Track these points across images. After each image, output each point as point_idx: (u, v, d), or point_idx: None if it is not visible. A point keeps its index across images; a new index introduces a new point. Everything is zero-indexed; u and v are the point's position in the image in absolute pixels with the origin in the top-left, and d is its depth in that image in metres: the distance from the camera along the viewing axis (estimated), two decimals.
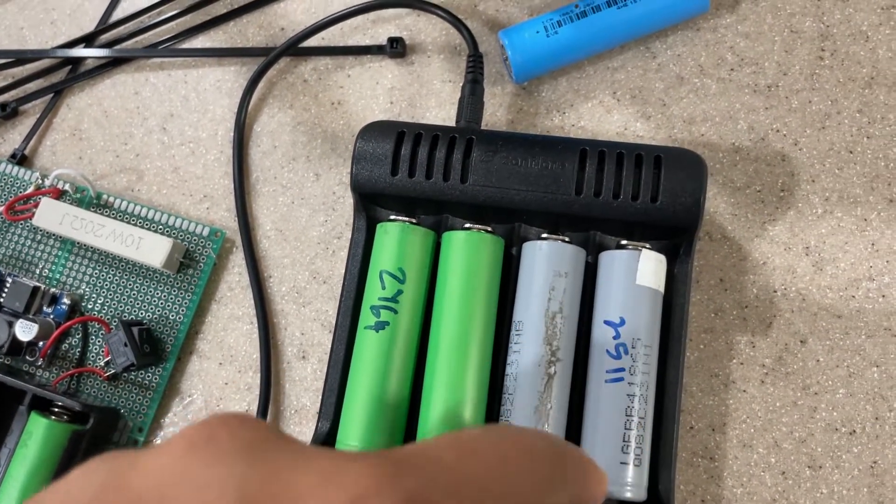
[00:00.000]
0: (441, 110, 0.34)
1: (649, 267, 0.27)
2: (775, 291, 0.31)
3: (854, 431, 0.29)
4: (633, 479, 0.26)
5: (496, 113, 0.33)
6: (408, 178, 0.28)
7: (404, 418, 0.28)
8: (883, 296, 0.30)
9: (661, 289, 0.27)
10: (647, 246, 0.27)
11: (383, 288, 0.28)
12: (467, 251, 0.28)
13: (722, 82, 0.33)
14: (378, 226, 0.29)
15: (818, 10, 0.33)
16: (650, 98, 0.33)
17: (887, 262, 0.30)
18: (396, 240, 0.28)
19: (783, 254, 0.31)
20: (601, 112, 0.33)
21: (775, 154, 0.32)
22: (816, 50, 0.33)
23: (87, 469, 0.13)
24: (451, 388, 0.27)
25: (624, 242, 0.28)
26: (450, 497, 0.13)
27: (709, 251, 0.31)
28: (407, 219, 0.29)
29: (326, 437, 0.28)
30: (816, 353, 0.30)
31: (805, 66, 0.32)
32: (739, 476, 0.29)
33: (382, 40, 0.35)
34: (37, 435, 0.29)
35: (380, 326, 0.28)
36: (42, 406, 0.31)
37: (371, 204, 0.30)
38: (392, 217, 0.29)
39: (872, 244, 0.31)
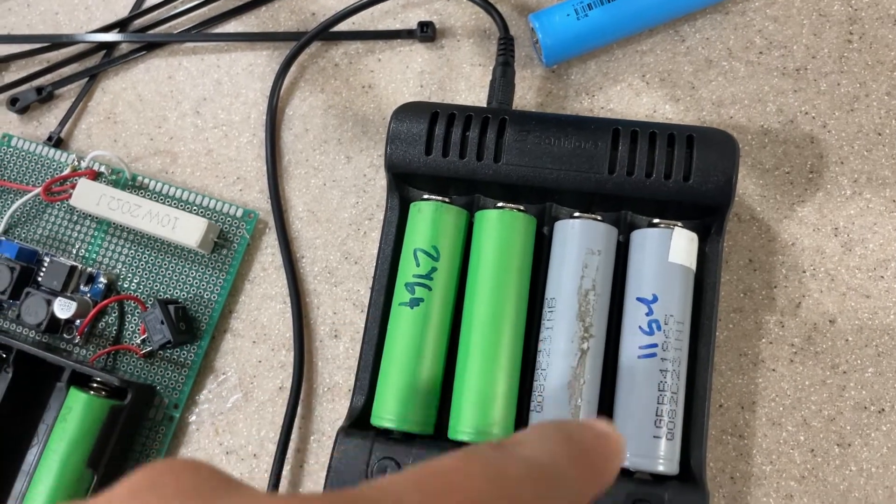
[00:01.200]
0: (471, 94, 0.34)
1: (682, 245, 0.27)
2: (804, 272, 0.31)
3: (883, 410, 0.29)
4: (665, 452, 0.26)
5: (525, 96, 0.34)
6: (441, 157, 0.29)
7: (438, 394, 0.28)
8: None
9: (693, 266, 0.28)
10: (679, 224, 0.28)
11: (417, 265, 0.28)
12: (500, 229, 0.28)
13: (750, 65, 0.33)
14: (412, 205, 0.30)
15: None
16: (679, 81, 0.33)
17: None
18: (430, 218, 0.29)
19: (812, 235, 0.31)
20: (630, 95, 0.33)
21: (804, 136, 0.32)
22: (845, 33, 0.33)
23: None
24: (485, 363, 0.27)
25: (656, 221, 0.28)
26: None
27: (738, 232, 0.31)
28: (439, 198, 0.29)
29: (361, 411, 0.28)
30: (845, 333, 0.30)
31: (833, 49, 0.33)
32: (769, 454, 0.30)
33: (413, 24, 0.35)
34: (76, 409, 0.30)
35: (414, 303, 0.28)
36: (81, 382, 0.31)
37: (404, 184, 0.30)
38: (426, 196, 0.30)
39: None
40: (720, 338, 0.31)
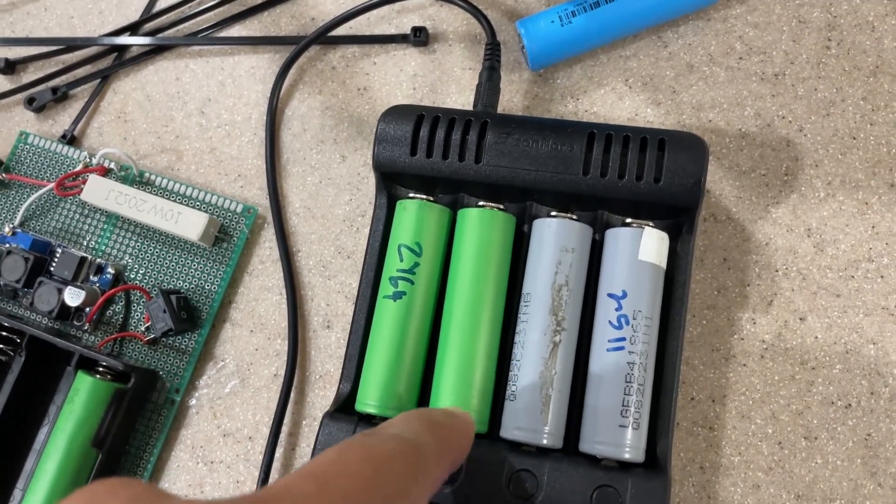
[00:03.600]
0: (461, 96, 0.36)
1: (651, 243, 0.28)
2: (777, 271, 0.32)
3: (850, 405, 0.30)
4: (631, 441, 0.27)
5: (513, 99, 0.35)
6: (426, 158, 0.30)
7: (419, 382, 0.30)
8: (881, 276, 0.31)
9: (663, 265, 0.29)
10: (651, 224, 0.29)
11: (401, 260, 0.30)
12: (480, 227, 0.30)
13: (730, 70, 0.34)
14: (398, 203, 0.31)
15: (826, 0, 0.34)
16: (661, 85, 0.34)
17: (887, 244, 0.31)
18: (414, 216, 0.30)
19: (785, 235, 0.32)
20: (613, 98, 0.35)
21: (780, 139, 0.33)
22: (823, 39, 0.34)
23: None
24: (463, 354, 0.29)
25: (628, 220, 0.29)
26: None
27: (714, 231, 0.33)
28: (425, 196, 0.31)
29: (347, 397, 0.30)
30: (815, 331, 0.31)
31: (812, 54, 0.34)
32: (737, 445, 0.31)
33: (406, 29, 0.37)
34: (83, 392, 0.32)
35: (397, 296, 0.30)
36: (88, 366, 0.33)
37: (391, 183, 0.32)
38: (411, 195, 0.31)
39: (873, 227, 0.32)
40: (693, 333, 0.32)
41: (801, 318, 0.31)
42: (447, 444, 0.22)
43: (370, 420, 0.29)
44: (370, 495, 0.17)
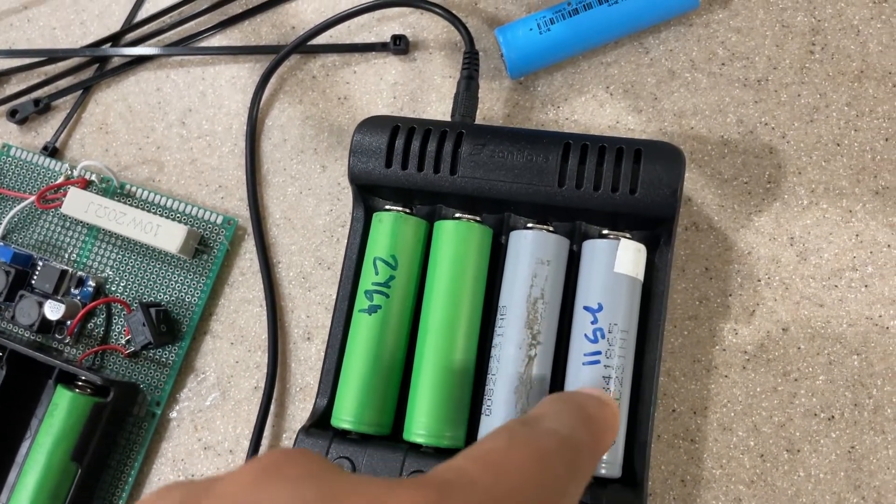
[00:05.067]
0: (442, 104, 0.36)
1: (627, 255, 0.28)
2: (759, 280, 0.31)
3: (833, 417, 0.30)
4: (607, 456, 0.27)
5: (493, 107, 0.35)
6: (401, 169, 0.30)
7: (395, 396, 0.30)
8: (865, 286, 0.31)
9: (640, 277, 0.28)
10: (627, 235, 0.29)
11: (376, 273, 0.30)
12: (456, 240, 0.29)
13: (713, 76, 0.33)
14: (374, 215, 0.31)
15: (810, 4, 0.33)
16: (642, 92, 0.34)
17: (871, 252, 0.31)
18: (389, 228, 0.30)
19: (768, 244, 0.32)
20: (594, 106, 0.34)
21: (763, 147, 0.32)
22: (807, 44, 0.33)
23: (160, 495, 0.15)
24: (440, 369, 0.28)
25: (605, 232, 0.29)
26: None
27: (695, 241, 0.32)
28: (401, 208, 0.31)
29: (323, 412, 0.30)
30: (798, 341, 0.31)
31: (795, 60, 0.33)
32: (719, 458, 0.30)
33: (387, 38, 0.36)
34: (62, 406, 0.32)
35: (372, 310, 0.29)
36: (68, 380, 0.33)
37: (368, 194, 0.32)
38: (387, 207, 0.31)
39: (857, 235, 0.31)
40: (675, 344, 0.31)
41: (783, 329, 0.31)
42: (601, 441, 0.21)
43: (345, 435, 0.29)
44: (536, 494, 0.17)
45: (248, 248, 0.36)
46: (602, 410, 0.22)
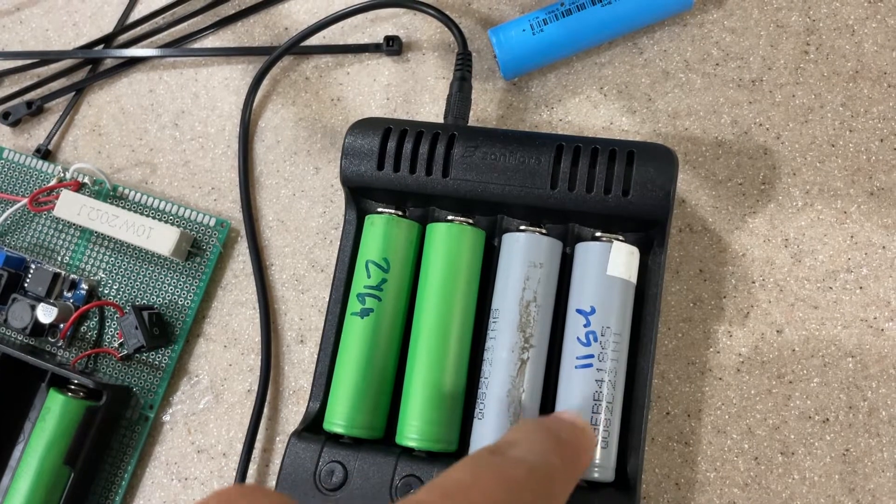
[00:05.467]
0: (435, 106, 0.35)
1: (620, 258, 0.28)
2: (753, 282, 0.31)
3: (827, 420, 0.30)
4: (600, 460, 0.27)
5: (487, 108, 0.35)
6: (393, 172, 0.30)
7: (387, 400, 0.30)
8: (860, 287, 0.31)
9: (633, 279, 0.28)
10: (620, 238, 0.28)
11: (368, 277, 0.30)
12: (448, 242, 0.29)
13: (707, 77, 0.33)
14: (366, 218, 0.31)
15: (805, 4, 0.33)
16: (636, 93, 0.34)
17: (866, 254, 0.31)
18: (382, 231, 0.30)
19: (762, 245, 0.31)
20: (588, 107, 0.34)
21: (757, 148, 0.32)
22: (802, 44, 0.33)
23: None
24: (432, 372, 0.28)
25: (598, 234, 0.29)
26: None
27: (689, 242, 0.32)
28: (393, 211, 0.30)
29: (315, 416, 0.30)
30: (792, 343, 0.31)
31: (790, 60, 0.33)
32: (713, 461, 0.30)
33: (380, 38, 0.36)
34: (54, 410, 0.32)
35: (364, 313, 0.29)
36: (60, 383, 0.33)
37: (361, 197, 0.31)
38: (379, 209, 0.31)
39: (852, 236, 0.31)
40: (669, 347, 0.31)
41: (778, 331, 0.31)
42: (574, 468, 0.21)
43: (338, 439, 0.29)
44: None
45: (241, 250, 0.35)
46: (576, 435, 0.22)
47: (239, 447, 0.33)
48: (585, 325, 0.28)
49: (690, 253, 0.32)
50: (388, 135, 0.30)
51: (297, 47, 0.36)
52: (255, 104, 0.37)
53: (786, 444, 0.30)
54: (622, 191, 0.28)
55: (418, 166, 0.30)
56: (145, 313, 0.34)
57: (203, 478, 0.33)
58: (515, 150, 0.29)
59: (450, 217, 0.30)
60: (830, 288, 0.31)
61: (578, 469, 0.21)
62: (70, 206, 0.35)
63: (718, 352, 0.31)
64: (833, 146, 0.32)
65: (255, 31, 0.38)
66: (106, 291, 0.36)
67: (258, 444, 0.33)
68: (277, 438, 0.33)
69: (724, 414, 0.30)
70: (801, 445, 0.30)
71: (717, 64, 0.33)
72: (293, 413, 0.33)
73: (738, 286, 0.31)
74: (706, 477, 0.30)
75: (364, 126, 0.31)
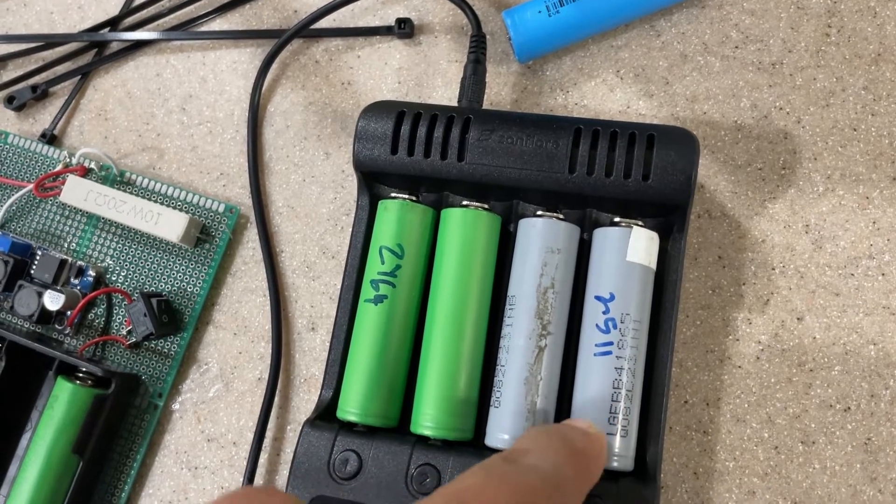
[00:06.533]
0: (447, 90, 0.35)
1: (640, 244, 0.27)
2: (773, 269, 0.31)
3: (849, 408, 0.29)
4: (619, 449, 0.26)
5: (501, 92, 0.34)
6: (407, 156, 0.29)
7: (401, 388, 0.29)
8: (882, 274, 0.30)
9: (653, 265, 0.28)
10: (640, 223, 0.28)
11: (382, 263, 0.29)
12: (463, 228, 0.29)
13: (726, 60, 0.33)
14: (379, 203, 0.30)
15: None
16: (653, 76, 0.33)
17: (888, 240, 0.30)
18: (396, 216, 0.29)
19: (782, 231, 0.31)
20: (604, 91, 0.33)
21: (778, 132, 0.32)
22: (823, 26, 0.32)
23: None
24: (447, 360, 0.28)
25: (617, 220, 0.28)
26: None
27: (708, 228, 0.31)
28: (407, 196, 0.30)
29: (328, 404, 0.29)
30: (813, 331, 0.30)
31: (811, 42, 0.32)
32: (732, 450, 0.30)
33: (391, 21, 0.36)
34: (62, 398, 0.31)
35: (378, 300, 0.29)
36: (68, 371, 0.33)
37: (374, 182, 0.31)
38: (392, 194, 0.30)
39: (874, 222, 0.30)
40: (687, 334, 0.31)
41: (798, 318, 0.30)
42: (587, 477, 0.21)
43: (351, 427, 0.28)
44: None
45: (251, 236, 0.35)
46: (589, 443, 0.22)
47: (249, 436, 0.33)
48: (604, 312, 0.27)
49: (709, 239, 0.31)
50: (401, 118, 0.30)
51: (306, 30, 0.35)
52: (264, 88, 0.36)
53: (806, 433, 0.29)
54: (642, 175, 0.27)
55: (433, 150, 0.29)
56: (154, 300, 0.33)
57: (213, 467, 0.33)
58: (532, 133, 0.28)
59: (465, 202, 0.29)
60: (852, 275, 0.30)
61: (591, 478, 0.21)
62: (77, 192, 0.34)
63: (738, 339, 0.30)
64: (855, 130, 0.31)
65: (263, 14, 0.37)
66: (113, 278, 0.35)
67: (269, 433, 0.33)
68: (288, 427, 0.33)
69: (743, 403, 0.30)
70: (822, 434, 0.29)
71: (736, 47, 0.33)
72: (304, 402, 0.33)
73: (758, 273, 0.31)
74: (725, 466, 0.30)
75: (377, 109, 0.30)
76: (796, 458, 0.29)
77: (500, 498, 0.17)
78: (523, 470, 0.19)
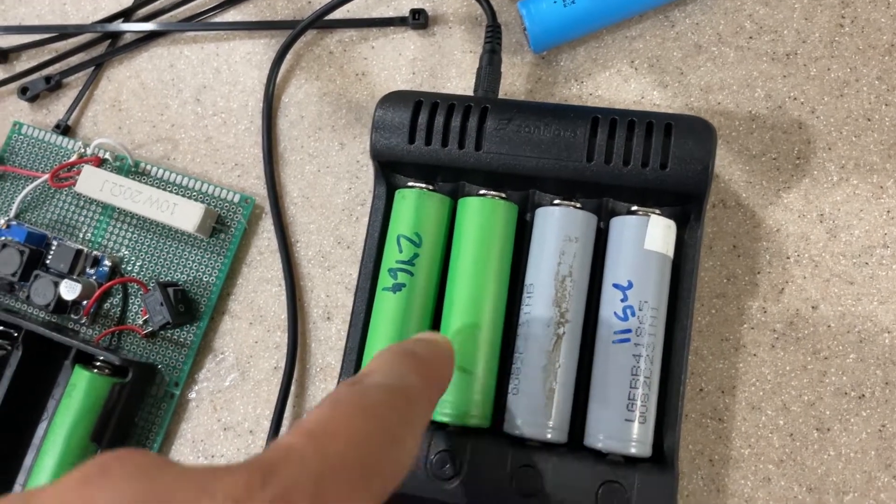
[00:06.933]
0: (461, 80, 0.35)
1: (657, 232, 0.28)
2: (788, 258, 0.31)
3: (863, 395, 0.30)
4: (637, 435, 0.26)
5: (515, 83, 0.34)
6: (424, 145, 0.29)
7: None
8: None
9: (670, 254, 0.28)
10: (657, 212, 0.28)
11: (400, 251, 0.29)
12: (481, 216, 0.29)
13: (740, 50, 0.33)
14: (397, 192, 0.30)
15: None
16: (668, 67, 0.33)
17: None
18: (413, 205, 0.29)
19: (797, 221, 0.31)
20: (619, 81, 0.34)
21: (792, 122, 0.32)
22: (836, 17, 0.32)
23: None
24: (465, 347, 0.28)
25: (634, 208, 0.28)
26: (311, 496, 0.15)
27: (723, 218, 0.32)
28: (424, 185, 0.30)
29: None
30: (828, 319, 0.30)
31: (825, 33, 0.32)
32: (747, 437, 0.30)
33: (405, 12, 0.36)
34: (80, 387, 0.32)
35: (397, 288, 0.29)
36: (85, 360, 0.33)
37: (390, 171, 0.31)
38: (410, 184, 0.30)
39: (888, 211, 0.31)
40: (702, 323, 0.31)
41: (813, 307, 0.30)
42: (433, 381, 0.22)
43: None
44: (367, 450, 0.17)
45: (266, 227, 0.35)
46: (432, 350, 0.23)
47: (266, 424, 0.33)
48: (623, 300, 0.27)
49: (724, 228, 0.32)
50: (419, 108, 0.30)
51: (320, 21, 0.36)
52: (278, 79, 0.36)
53: (821, 420, 0.30)
54: (660, 164, 0.27)
55: (450, 139, 0.29)
56: (170, 290, 0.33)
57: (230, 455, 0.33)
58: (550, 122, 0.29)
59: (482, 192, 0.30)
60: (866, 263, 0.30)
61: (439, 383, 0.22)
62: (92, 182, 0.35)
63: (753, 328, 0.31)
64: (869, 120, 0.31)
65: (277, 5, 0.37)
66: (129, 268, 0.35)
67: (285, 421, 0.33)
68: (304, 416, 0.33)
69: (758, 390, 0.30)
70: (837, 421, 0.30)
71: (750, 37, 0.33)
72: (320, 390, 0.33)
73: (773, 262, 0.31)
74: (740, 453, 0.30)
75: (394, 99, 0.30)
76: (811, 444, 0.29)
77: (350, 422, 0.17)
78: (368, 390, 0.19)
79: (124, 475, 0.14)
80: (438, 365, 0.22)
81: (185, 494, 0.14)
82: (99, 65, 0.38)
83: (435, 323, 0.30)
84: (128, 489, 0.14)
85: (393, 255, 0.29)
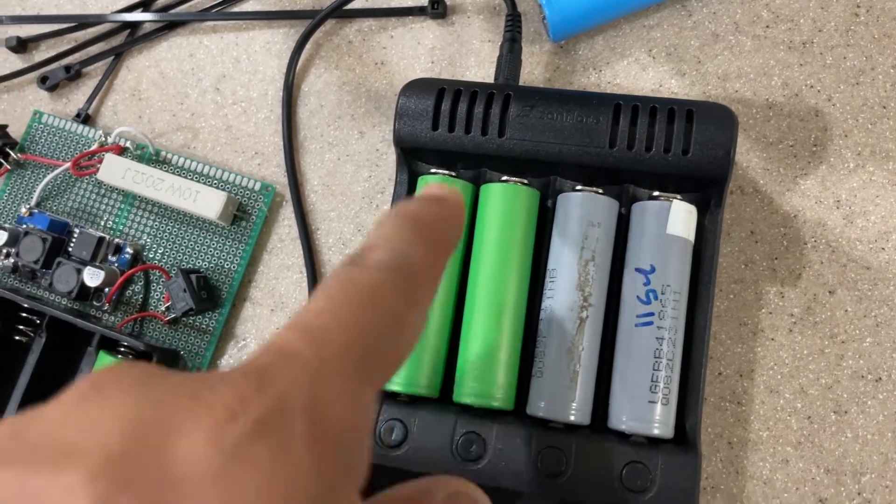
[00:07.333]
0: (480, 69, 0.35)
1: (679, 217, 0.28)
2: (805, 244, 0.31)
3: (880, 379, 0.30)
4: (660, 416, 0.27)
5: (534, 71, 0.35)
6: (447, 132, 0.30)
7: (444, 359, 0.30)
8: None
9: (692, 238, 0.28)
10: (678, 197, 0.28)
11: None
12: (503, 202, 0.29)
13: (757, 39, 0.33)
14: (419, 179, 0.31)
15: None
16: (685, 55, 0.34)
17: None
18: None
19: (814, 207, 0.32)
20: (637, 70, 0.34)
21: (809, 109, 0.32)
22: (852, 6, 0.33)
23: None
24: (488, 331, 0.28)
25: (656, 194, 0.29)
26: (310, 399, 0.14)
27: (741, 204, 0.32)
28: (446, 172, 0.30)
29: None
30: (845, 304, 0.31)
31: (840, 22, 0.33)
32: (766, 420, 0.30)
33: (424, 1, 0.36)
34: None
35: None
36: (109, 346, 0.33)
37: (413, 158, 0.31)
38: (432, 170, 0.31)
39: None
40: (721, 308, 0.31)
41: (830, 292, 0.31)
42: (440, 245, 0.19)
43: (395, 397, 0.29)
44: (370, 343, 0.15)
45: (287, 214, 0.35)
46: (441, 211, 0.20)
47: None
48: (645, 284, 0.28)
49: (742, 215, 0.32)
50: (442, 95, 0.30)
51: (340, 11, 0.36)
52: (297, 68, 0.36)
53: (839, 403, 0.30)
54: (682, 150, 0.28)
55: (473, 126, 0.29)
56: (193, 276, 0.34)
57: None
58: (572, 109, 0.29)
59: (504, 178, 0.30)
60: (883, 249, 0.31)
61: (447, 243, 0.19)
62: (114, 170, 0.35)
63: (771, 313, 0.31)
64: (885, 108, 0.32)
65: None
66: (150, 256, 0.36)
67: None
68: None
69: (776, 374, 0.31)
70: (854, 404, 0.30)
71: (767, 26, 0.33)
72: None
73: (790, 248, 0.31)
74: (759, 436, 0.30)
75: (417, 86, 0.30)
76: (829, 427, 0.30)
77: (350, 310, 0.16)
78: (369, 269, 0.17)
79: (117, 391, 0.14)
80: (448, 228, 0.20)
81: (179, 404, 0.13)
82: (118, 54, 0.38)
83: (458, 307, 0.30)
84: (123, 410, 0.13)
85: None
